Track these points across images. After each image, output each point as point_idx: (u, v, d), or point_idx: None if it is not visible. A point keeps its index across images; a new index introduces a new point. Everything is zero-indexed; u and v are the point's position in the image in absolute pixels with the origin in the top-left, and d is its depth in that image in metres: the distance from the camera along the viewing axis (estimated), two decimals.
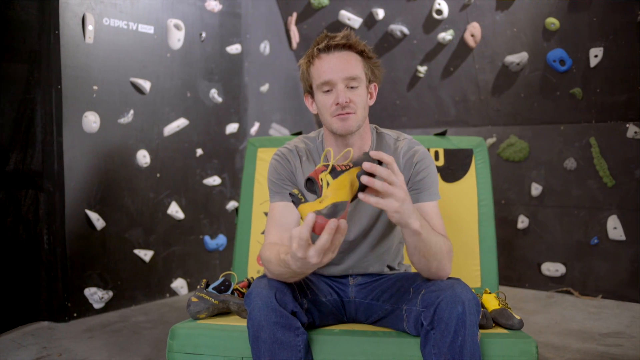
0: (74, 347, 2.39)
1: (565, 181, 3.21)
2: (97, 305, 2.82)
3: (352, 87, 1.42)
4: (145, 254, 3.04)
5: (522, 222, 3.34)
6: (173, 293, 3.22)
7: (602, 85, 3.00)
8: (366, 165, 1.16)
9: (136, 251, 3.01)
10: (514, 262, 3.36)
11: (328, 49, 1.41)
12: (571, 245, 3.20)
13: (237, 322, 1.55)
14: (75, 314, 2.75)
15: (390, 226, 1.57)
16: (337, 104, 1.40)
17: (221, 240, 3.43)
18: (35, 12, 2.63)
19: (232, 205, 3.52)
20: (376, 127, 1.57)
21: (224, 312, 1.65)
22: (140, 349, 2.37)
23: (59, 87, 2.66)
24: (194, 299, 1.59)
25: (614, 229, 3.04)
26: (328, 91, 1.42)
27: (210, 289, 1.62)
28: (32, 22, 2.63)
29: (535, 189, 3.29)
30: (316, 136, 1.59)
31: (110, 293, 2.88)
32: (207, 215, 3.39)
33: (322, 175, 1.18)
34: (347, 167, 1.20)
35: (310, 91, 1.50)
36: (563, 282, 3.24)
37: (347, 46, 1.42)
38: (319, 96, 1.45)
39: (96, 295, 2.80)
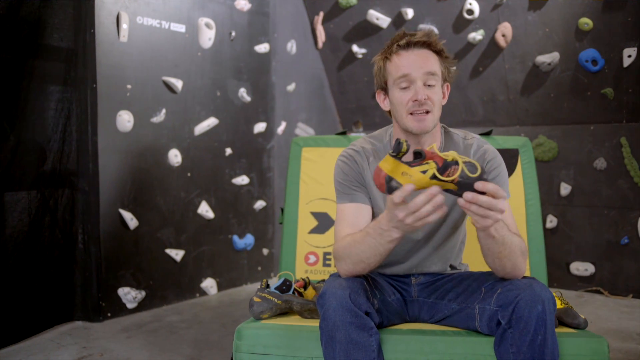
0: (113, 347, 2.38)
1: (595, 181, 3.20)
2: (130, 305, 2.81)
3: (429, 85, 1.41)
4: (177, 254, 3.03)
5: (551, 221, 3.34)
6: (203, 293, 3.20)
7: (634, 85, 2.99)
8: (468, 197, 1.16)
9: (168, 251, 3.00)
10: None
11: (408, 45, 1.41)
12: (601, 244, 3.20)
13: (301, 322, 1.55)
14: (109, 314, 2.73)
15: (455, 226, 1.56)
16: (415, 100, 1.39)
17: (249, 239, 3.42)
18: (71, 11, 2.62)
19: (260, 204, 3.51)
20: (444, 126, 1.56)
21: (284, 312, 1.64)
22: (180, 349, 2.36)
23: (94, 85, 2.65)
24: (256, 299, 1.58)
25: None
26: (405, 88, 1.42)
27: (272, 289, 1.61)
28: (68, 21, 2.62)
29: (565, 189, 3.29)
30: (383, 135, 1.57)
31: (143, 293, 2.87)
32: (236, 214, 3.38)
33: (431, 161, 1.17)
34: (451, 181, 1.18)
35: (384, 88, 1.49)
36: (592, 282, 3.23)
37: (427, 44, 1.41)
38: (395, 92, 1.44)
39: (129, 295, 2.79)
